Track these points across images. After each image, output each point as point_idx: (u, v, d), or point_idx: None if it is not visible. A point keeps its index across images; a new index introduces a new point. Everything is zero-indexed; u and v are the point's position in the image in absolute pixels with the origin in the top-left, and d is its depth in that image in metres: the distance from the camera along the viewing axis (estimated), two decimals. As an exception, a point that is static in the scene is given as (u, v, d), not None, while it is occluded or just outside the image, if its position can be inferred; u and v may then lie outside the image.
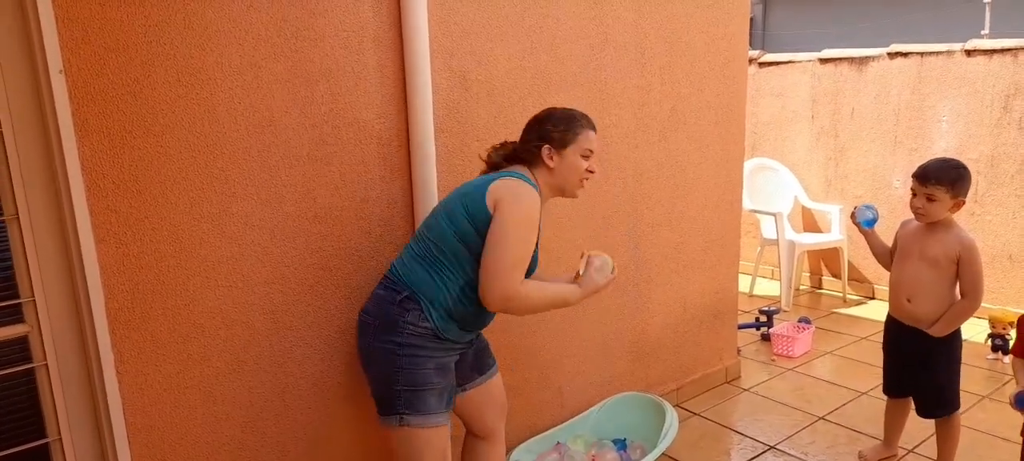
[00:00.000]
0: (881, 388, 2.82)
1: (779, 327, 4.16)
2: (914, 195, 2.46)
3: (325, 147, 2.14)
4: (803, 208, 5.35)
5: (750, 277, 5.31)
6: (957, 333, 2.55)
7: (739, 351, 3.84)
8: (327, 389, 2.28)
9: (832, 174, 5.23)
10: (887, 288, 2.69)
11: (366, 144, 2.23)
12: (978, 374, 3.70)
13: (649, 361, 3.29)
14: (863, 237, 2.72)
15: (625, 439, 2.85)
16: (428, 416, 1.92)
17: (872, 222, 2.64)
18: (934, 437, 2.72)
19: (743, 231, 4.19)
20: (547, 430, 2.85)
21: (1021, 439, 2.13)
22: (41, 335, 1.80)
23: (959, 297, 2.48)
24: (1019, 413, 2.09)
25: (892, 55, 4.79)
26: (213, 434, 2.08)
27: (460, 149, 2.44)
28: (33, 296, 1.77)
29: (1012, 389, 2.12)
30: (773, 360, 4.00)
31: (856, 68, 4.99)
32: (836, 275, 5.26)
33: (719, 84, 3.29)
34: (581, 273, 2.05)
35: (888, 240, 2.70)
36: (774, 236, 4.97)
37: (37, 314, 1.79)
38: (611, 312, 3.08)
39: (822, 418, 3.27)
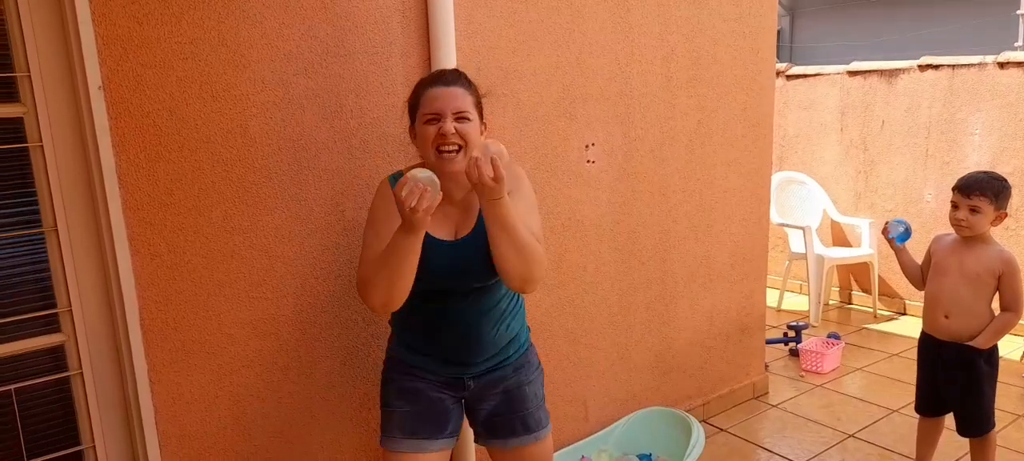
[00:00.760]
0: (913, 406, 2.76)
1: (808, 342, 4.10)
2: (955, 208, 2.41)
3: (354, 161, 2.17)
4: (832, 222, 5.27)
5: (778, 291, 5.25)
6: (995, 349, 2.50)
7: (767, 367, 3.79)
8: (354, 400, 2.30)
9: (862, 187, 5.15)
10: (919, 304, 2.64)
11: (394, 157, 2.25)
12: (1013, 392, 3.61)
13: (675, 375, 3.27)
14: (894, 252, 2.67)
15: (651, 454, 2.82)
16: (392, 440, 1.84)
17: (905, 237, 2.59)
18: (968, 456, 2.66)
19: (771, 245, 4.14)
20: (571, 444, 2.84)
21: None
22: (77, 344, 1.85)
23: (999, 311, 2.44)
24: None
25: (923, 67, 4.73)
26: (243, 442, 2.11)
27: (486, 163, 2.45)
28: (70, 306, 1.82)
29: None
30: (802, 376, 3.94)
31: (886, 80, 4.92)
32: (866, 290, 5.17)
33: (746, 97, 3.27)
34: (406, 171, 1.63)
35: (919, 254, 2.65)
36: (802, 250, 4.91)
37: (74, 324, 1.83)
38: (637, 325, 3.07)
39: (852, 436, 3.21)
